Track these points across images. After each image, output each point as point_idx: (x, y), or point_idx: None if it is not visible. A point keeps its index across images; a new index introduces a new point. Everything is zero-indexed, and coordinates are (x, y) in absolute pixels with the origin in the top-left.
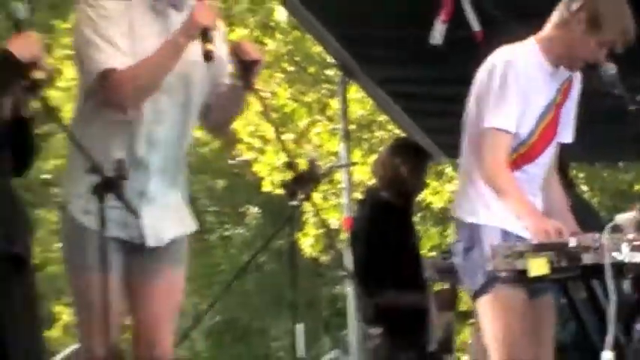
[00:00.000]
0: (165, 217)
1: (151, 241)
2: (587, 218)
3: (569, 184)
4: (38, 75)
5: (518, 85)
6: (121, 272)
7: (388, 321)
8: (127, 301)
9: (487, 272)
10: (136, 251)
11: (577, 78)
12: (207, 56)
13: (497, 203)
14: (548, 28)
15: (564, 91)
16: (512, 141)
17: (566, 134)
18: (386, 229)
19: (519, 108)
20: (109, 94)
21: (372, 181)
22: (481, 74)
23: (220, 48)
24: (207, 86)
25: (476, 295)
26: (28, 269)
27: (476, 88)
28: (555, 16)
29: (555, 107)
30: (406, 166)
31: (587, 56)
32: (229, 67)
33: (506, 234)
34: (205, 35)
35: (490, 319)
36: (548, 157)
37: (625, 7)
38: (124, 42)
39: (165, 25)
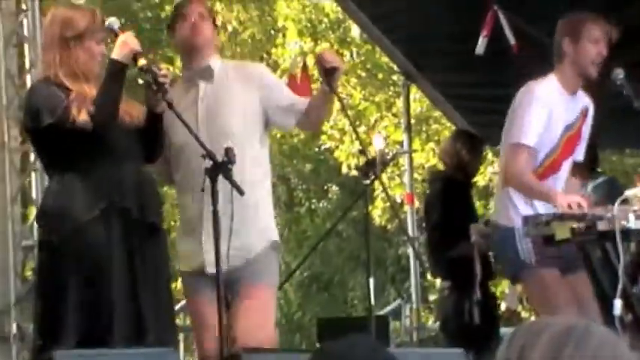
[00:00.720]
0: None
1: None
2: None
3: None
4: (141, 62)
5: (542, 111)
6: None
7: (454, 276)
8: None
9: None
10: None
11: (591, 106)
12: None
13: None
14: (556, 64)
15: (583, 115)
16: (539, 155)
17: (580, 153)
18: (454, 199)
19: (542, 129)
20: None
21: (431, 165)
22: (514, 103)
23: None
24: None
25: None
26: (160, 234)
27: (509, 113)
28: (555, 57)
29: (577, 128)
30: (466, 150)
31: (593, 58)
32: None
33: None
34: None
35: (533, 299)
36: (567, 168)
37: (589, 14)
38: None
39: (196, 93)
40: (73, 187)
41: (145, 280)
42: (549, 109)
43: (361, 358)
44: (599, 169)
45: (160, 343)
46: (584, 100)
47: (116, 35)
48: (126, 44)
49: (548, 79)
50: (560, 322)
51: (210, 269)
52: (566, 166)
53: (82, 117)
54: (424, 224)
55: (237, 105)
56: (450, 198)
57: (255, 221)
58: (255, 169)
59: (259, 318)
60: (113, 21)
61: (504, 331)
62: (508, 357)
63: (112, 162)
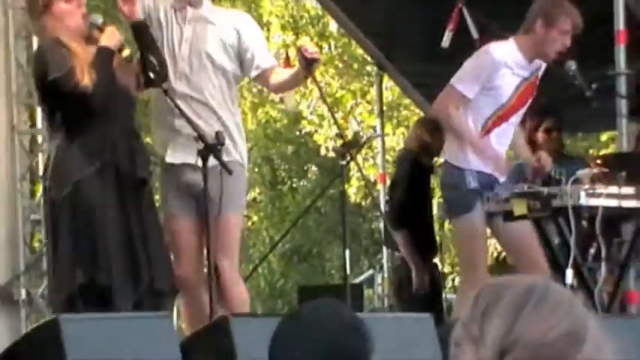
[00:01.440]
0: None
1: None
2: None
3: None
4: (125, 53)
5: (491, 71)
6: None
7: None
8: None
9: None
10: None
11: (543, 65)
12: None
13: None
14: (521, 33)
15: (535, 79)
16: (494, 105)
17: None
18: (418, 180)
19: (487, 82)
20: None
21: (401, 148)
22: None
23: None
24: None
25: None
26: (148, 188)
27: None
28: (523, 25)
29: (529, 85)
30: (427, 134)
31: (557, 47)
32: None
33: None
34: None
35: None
36: (516, 119)
37: (567, 3)
38: None
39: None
40: (71, 147)
41: (139, 230)
42: (500, 67)
43: (325, 318)
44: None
45: (154, 291)
46: (535, 66)
47: (100, 29)
48: (115, 34)
49: (508, 43)
50: (522, 282)
51: None
52: (514, 120)
53: (85, 82)
54: (387, 198)
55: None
56: (415, 178)
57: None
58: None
59: None
60: (96, 16)
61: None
62: (473, 317)
63: (105, 123)
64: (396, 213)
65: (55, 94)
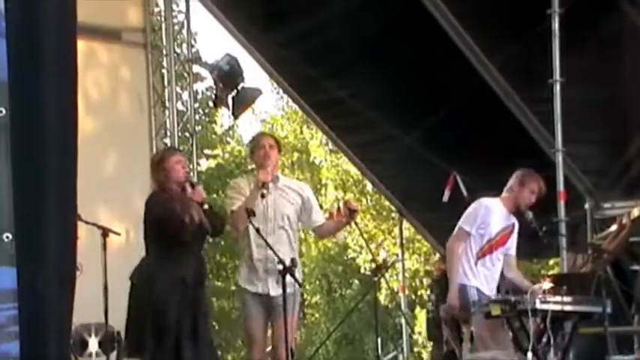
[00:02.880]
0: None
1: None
2: None
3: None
4: (205, 207)
5: (484, 215)
6: None
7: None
8: None
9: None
10: None
11: (516, 226)
12: (263, 195)
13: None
14: (504, 193)
15: (512, 228)
16: (486, 238)
17: (514, 249)
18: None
19: (482, 222)
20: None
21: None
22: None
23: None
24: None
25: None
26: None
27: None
28: (505, 189)
29: (508, 231)
30: None
31: (527, 202)
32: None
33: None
34: (263, 186)
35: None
36: (501, 252)
37: (534, 175)
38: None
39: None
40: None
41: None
42: (489, 213)
43: None
44: None
45: None
46: (513, 219)
47: (192, 185)
48: (201, 192)
49: (495, 199)
50: (487, 356)
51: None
52: (500, 252)
53: (186, 220)
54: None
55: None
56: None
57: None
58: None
59: None
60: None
61: None
62: None
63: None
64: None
65: (156, 227)
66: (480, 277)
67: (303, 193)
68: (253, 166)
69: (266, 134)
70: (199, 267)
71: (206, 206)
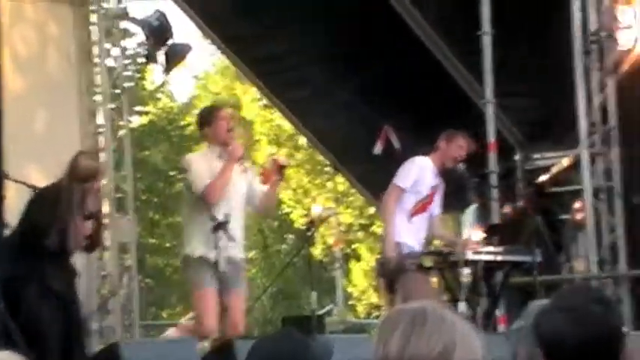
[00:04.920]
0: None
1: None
2: None
3: None
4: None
5: (418, 172)
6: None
7: None
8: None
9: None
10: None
11: (441, 186)
12: (245, 169)
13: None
14: (433, 152)
15: (439, 187)
16: (417, 196)
17: (438, 209)
18: None
19: (415, 180)
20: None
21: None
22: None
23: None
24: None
25: None
26: None
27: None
28: (435, 147)
29: (435, 191)
30: None
31: (456, 155)
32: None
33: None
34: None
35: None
36: (428, 212)
37: (460, 132)
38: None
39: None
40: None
41: None
42: (422, 171)
43: (285, 351)
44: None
45: None
46: (438, 179)
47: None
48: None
49: (426, 157)
50: (413, 307)
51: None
52: (429, 210)
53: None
54: None
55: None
56: None
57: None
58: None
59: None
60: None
61: None
62: (379, 338)
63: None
64: None
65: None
66: (413, 233)
67: (249, 173)
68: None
69: (224, 105)
70: None
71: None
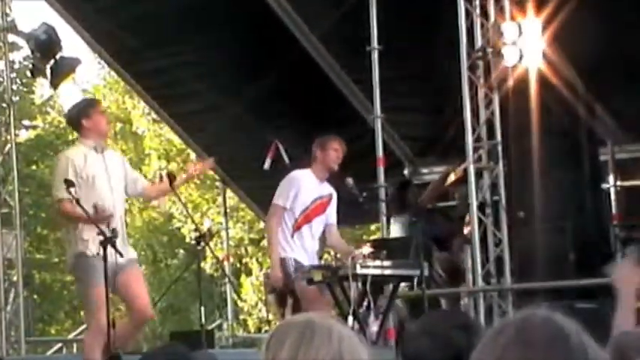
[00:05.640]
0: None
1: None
2: None
3: None
4: None
5: (294, 187)
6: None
7: None
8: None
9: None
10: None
11: (334, 195)
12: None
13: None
14: (312, 163)
15: (329, 198)
16: (300, 209)
17: (333, 218)
18: None
19: (295, 195)
20: None
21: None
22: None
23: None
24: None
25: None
26: None
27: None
28: (312, 158)
29: (323, 201)
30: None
31: (335, 160)
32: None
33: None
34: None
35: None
36: (318, 222)
37: (331, 135)
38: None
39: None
40: None
41: None
42: (299, 184)
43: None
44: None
45: None
46: (330, 189)
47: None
48: None
49: (305, 170)
50: (302, 319)
51: None
52: (319, 220)
53: None
54: None
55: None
56: None
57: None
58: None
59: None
60: None
61: None
62: (267, 347)
63: None
64: None
65: None
66: (298, 248)
67: (125, 163)
68: (75, 139)
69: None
70: None
71: None
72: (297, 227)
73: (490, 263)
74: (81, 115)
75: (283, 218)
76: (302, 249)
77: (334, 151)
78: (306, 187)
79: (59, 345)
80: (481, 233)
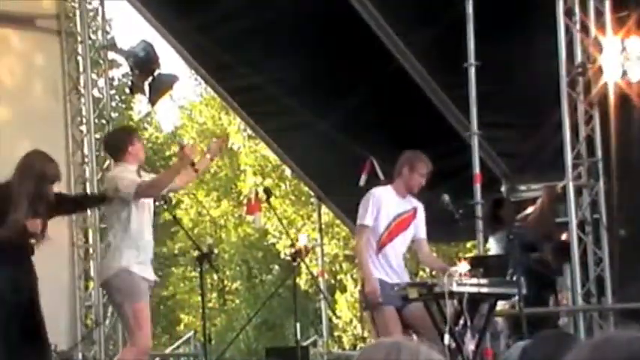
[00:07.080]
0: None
1: None
2: None
3: None
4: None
5: (375, 204)
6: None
7: None
8: None
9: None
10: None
11: (421, 208)
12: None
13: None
14: (396, 178)
15: (414, 212)
16: (380, 227)
17: (422, 232)
18: None
19: (377, 212)
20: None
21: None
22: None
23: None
24: None
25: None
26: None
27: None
28: (396, 172)
29: (406, 216)
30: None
31: (418, 184)
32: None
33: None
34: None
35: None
36: (400, 241)
37: (422, 157)
38: None
39: None
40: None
41: None
42: (380, 201)
43: None
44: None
45: None
46: (414, 202)
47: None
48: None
49: (386, 186)
50: (387, 342)
51: None
52: (403, 236)
53: None
54: None
55: None
56: None
57: None
58: None
59: None
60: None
61: None
62: None
63: None
64: None
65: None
66: (383, 267)
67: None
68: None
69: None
70: None
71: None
72: (381, 245)
73: (590, 282)
74: (127, 142)
75: (369, 238)
76: (388, 267)
77: (420, 176)
78: (387, 203)
79: None
80: (581, 252)
